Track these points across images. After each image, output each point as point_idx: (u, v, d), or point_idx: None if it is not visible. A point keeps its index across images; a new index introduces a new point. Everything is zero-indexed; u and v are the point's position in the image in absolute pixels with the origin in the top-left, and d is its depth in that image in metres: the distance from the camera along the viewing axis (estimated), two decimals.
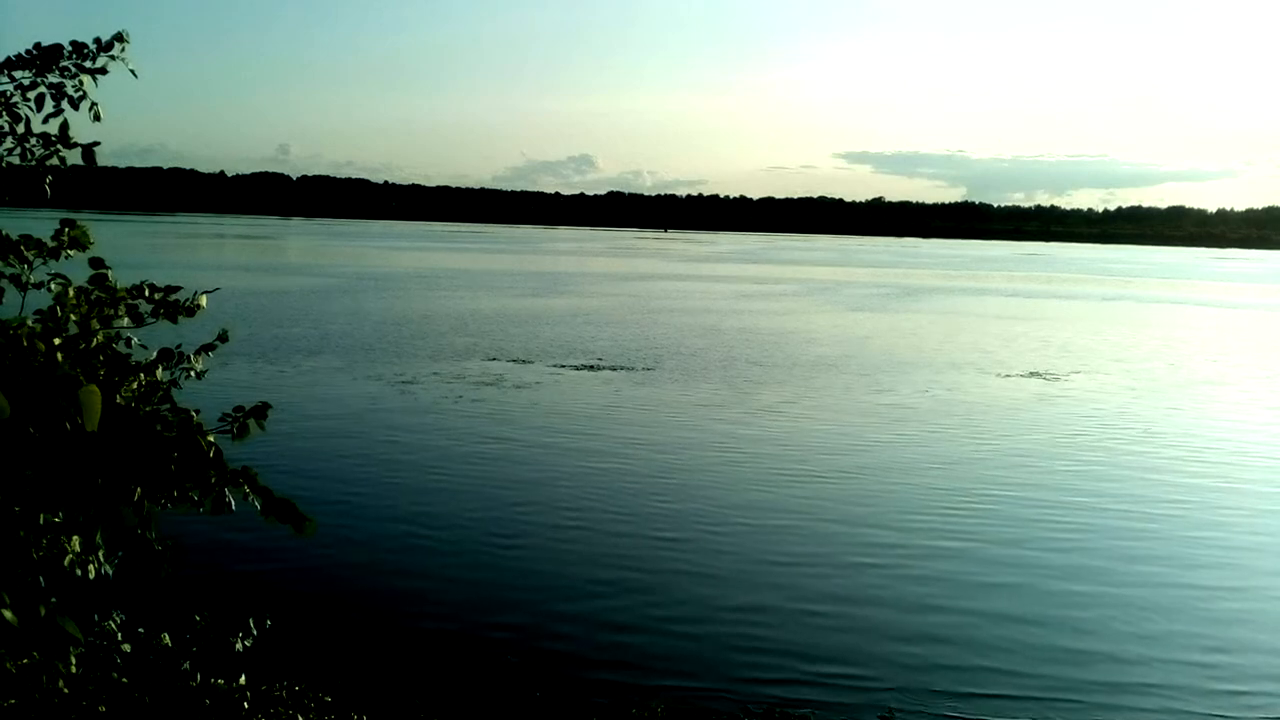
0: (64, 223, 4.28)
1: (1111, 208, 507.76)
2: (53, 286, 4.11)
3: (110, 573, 3.94)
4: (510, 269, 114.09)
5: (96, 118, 4.22)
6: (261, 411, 3.84)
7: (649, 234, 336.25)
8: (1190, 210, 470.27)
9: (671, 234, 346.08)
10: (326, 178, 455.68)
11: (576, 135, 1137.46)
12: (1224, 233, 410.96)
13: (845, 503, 21.73)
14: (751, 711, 12.40)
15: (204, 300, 4.30)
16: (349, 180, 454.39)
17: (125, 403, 3.49)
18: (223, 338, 4.47)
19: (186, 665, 5.29)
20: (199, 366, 4.23)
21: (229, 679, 5.49)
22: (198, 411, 3.57)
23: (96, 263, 4.16)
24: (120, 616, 5.26)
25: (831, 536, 19.43)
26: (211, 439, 3.42)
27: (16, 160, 4.27)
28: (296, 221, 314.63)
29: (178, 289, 4.26)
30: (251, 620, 5.62)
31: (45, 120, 4.22)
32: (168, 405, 3.60)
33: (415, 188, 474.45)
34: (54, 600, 3.22)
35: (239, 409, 3.85)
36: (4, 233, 4.14)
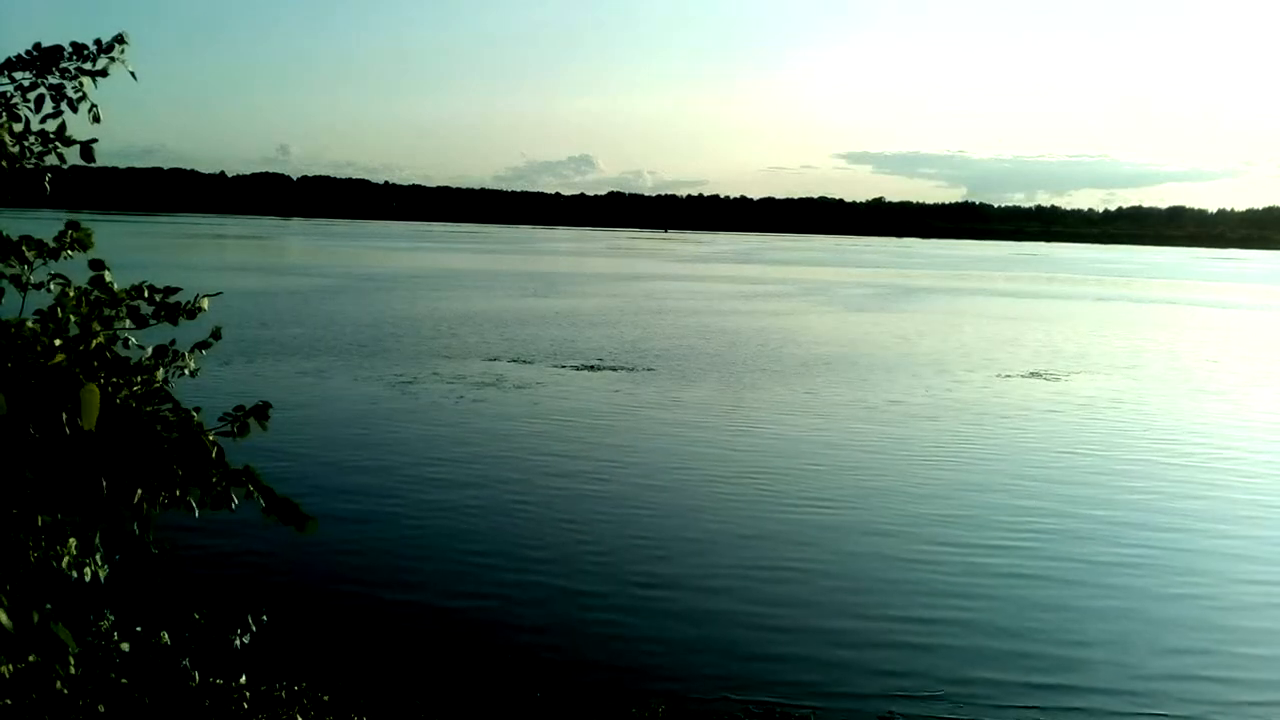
0: (69, 224, 4.28)
1: (1112, 208, 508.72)
2: (52, 287, 4.11)
3: (103, 578, 3.94)
4: (510, 269, 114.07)
5: (96, 119, 4.22)
6: (263, 411, 3.84)
7: (649, 234, 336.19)
8: (1191, 211, 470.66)
9: (672, 234, 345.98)
10: (326, 178, 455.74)
11: (576, 135, 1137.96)
12: (1224, 233, 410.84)
13: (846, 505, 21.73)
14: (752, 713, 12.41)
15: (206, 303, 4.30)
16: (349, 180, 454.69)
17: (125, 403, 3.49)
18: (216, 335, 4.47)
19: (186, 663, 5.29)
20: (192, 365, 4.23)
21: (228, 678, 5.49)
22: (198, 410, 3.57)
23: (96, 264, 4.16)
24: (111, 617, 5.26)
25: (832, 538, 19.43)
26: (212, 439, 3.42)
27: (17, 156, 4.26)
28: (296, 222, 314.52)
29: (177, 290, 4.26)
30: (250, 617, 5.62)
31: (43, 121, 4.22)
32: (169, 405, 3.60)
33: (415, 188, 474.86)
34: (49, 606, 3.22)
35: (240, 409, 3.84)
36: (4, 233, 4.15)
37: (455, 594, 15.90)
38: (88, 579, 3.82)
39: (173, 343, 4.21)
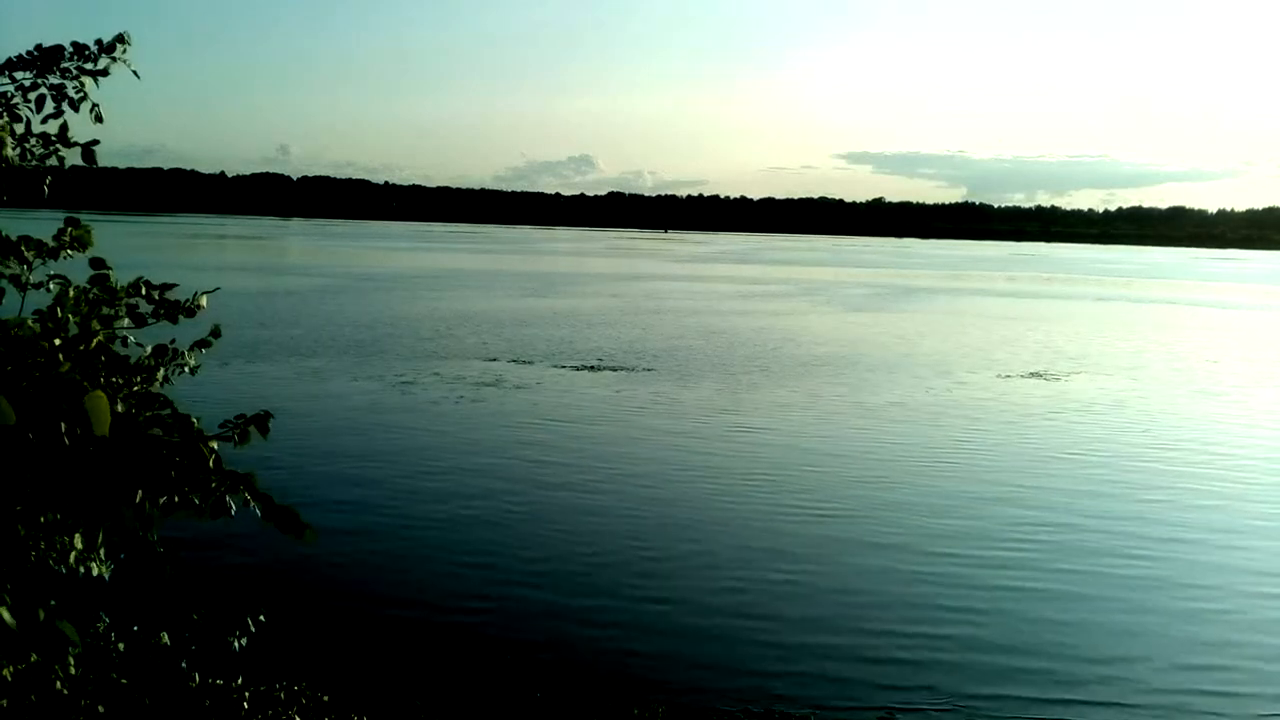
0: (68, 222, 4.28)
1: (1112, 208, 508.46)
2: (52, 287, 4.11)
3: (105, 575, 3.93)
4: (510, 269, 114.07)
5: (98, 119, 4.22)
6: (263, 420, 3.83)
7: (649, 235, 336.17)
8: (1191, 211, 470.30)
9: (672, 234, 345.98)
10: (326, 178, 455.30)
11: (576, 135, 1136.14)
12: (1224, 233, 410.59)
13: (846, 511, 21.72)
14: (752, 712, 12.41)
15: (204, 301, 4.30)
16: (349, 180, 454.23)
17: (125, 409, 3.49)
18: (216, 333, 4.46)
19: (184, 664, 5.29)
20: (192, 362, 4.23)
21: (228, 679, 5.49)
22: (198, 419, 3.56)
23: (97, 263, 4.15)
24: (107, 618, 5.26)
25: (833, 546, 19.42)
26: (214, 445, 3.42)
27: (17, 160, 4.26)
28: (296, 222, 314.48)
29: (173, 286, 4.25)
30: (249, 618, 5.61)
31: (45, 121, 4.21)
32: (168, 411, 3.60)
33: (415, 188, 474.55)
34: (53, 603, 3.22)
35: (240, 416, 3.83)
36: (4, 233, 4.14)
37: (453, 597, 15.90)
38: (95, 575, 3.83)
39: (173, 341, 4.21)
